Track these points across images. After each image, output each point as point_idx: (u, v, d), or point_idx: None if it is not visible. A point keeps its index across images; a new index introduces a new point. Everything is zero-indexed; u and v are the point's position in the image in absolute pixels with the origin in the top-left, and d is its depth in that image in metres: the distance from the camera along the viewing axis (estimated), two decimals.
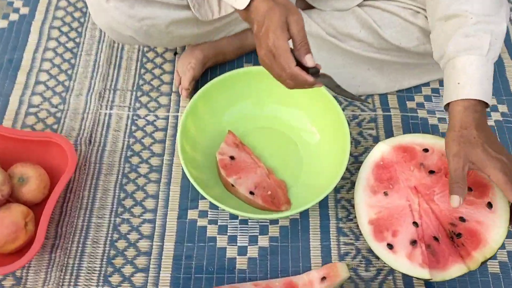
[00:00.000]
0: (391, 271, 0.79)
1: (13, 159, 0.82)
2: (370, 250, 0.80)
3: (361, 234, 0.82)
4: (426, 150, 0.76)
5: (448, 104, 0.69)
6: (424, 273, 0.68)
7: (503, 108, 0.95)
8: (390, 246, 0.71)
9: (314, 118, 0.88)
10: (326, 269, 0.76)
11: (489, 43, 0.67)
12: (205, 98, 0.86)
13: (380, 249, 0.71)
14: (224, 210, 0.81)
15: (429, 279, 0.68)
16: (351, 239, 0.81)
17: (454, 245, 0.71)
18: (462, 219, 0.71)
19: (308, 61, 0.63)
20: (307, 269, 0.79)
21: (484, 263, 0.68)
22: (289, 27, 0.63)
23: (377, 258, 0.80)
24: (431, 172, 0.74)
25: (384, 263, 0.79)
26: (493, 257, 0.75)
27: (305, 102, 0.87)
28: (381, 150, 0.78)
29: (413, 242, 0.71)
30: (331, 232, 0.82)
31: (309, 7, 0.92)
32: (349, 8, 0.90)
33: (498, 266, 0.79)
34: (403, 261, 0.70)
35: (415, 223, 0.72)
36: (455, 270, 0.69)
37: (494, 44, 0.68)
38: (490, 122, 0.93)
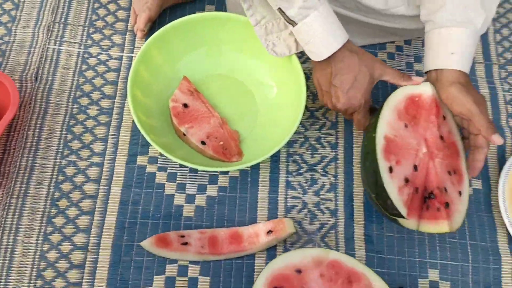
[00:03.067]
0: (334, 225, 0.81)
1: None
2: (316, 205, 0.82)
3: (309, 188, 0.83)
4: (444, 117, 0.75)
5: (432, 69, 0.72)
6: (403, 211, 0.70)
7: None
8: (390, 170, 0.72)
9: (272, 70, 0.86)
10: (273, 223, 0.77)
11: (483, 20, 0.69)
12: (160, 42, 0.82)
13: (383, 166, 0.70)
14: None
15: (403, 217, 0.70)
16: (299, 193, 0.83)
17: (423, 204, 0.73)
18: (445, 189, 0.72)
19: None
20: (253, 220, 0.80)
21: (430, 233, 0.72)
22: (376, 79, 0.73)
23: (322, 213, 0.81)
24: (441, 137, 0.75)
25: (328, 218, 0.81)
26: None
27: (264, 52, 0.84)
28: (424, 89, 0.75)
29: (407, 180, 0.72)
30: (280, 185, 0.83)
31: None
32: None
33: None
34: (394, 189, 0.70)
35: (415, 167, 0.73)
36: (410, 223, 0.72)
37: (486, 21, 0.70)
38: None
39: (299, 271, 0.69)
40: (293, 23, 0.69)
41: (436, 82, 0.73)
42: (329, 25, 0.69)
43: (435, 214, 0.72)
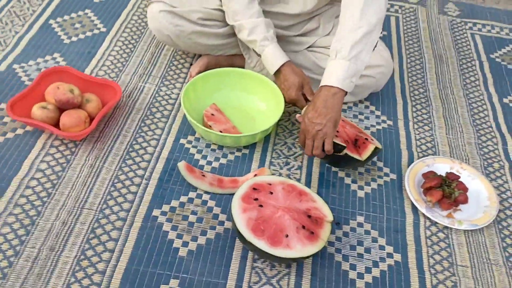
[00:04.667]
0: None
1: (85, 91, 1.37)
2: (287, 175, 1.29)
3: (284, 167, 1.31)
4: (343, 120, 1.33)
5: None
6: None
7: (389, 122, 1.49)
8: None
9: (263, 98, 1.43)
10: (258, 170, 1.25)
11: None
12: (203, 79, 1.42)
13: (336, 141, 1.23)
14: (203, 142, 1.34)
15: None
16: (277, 169, 1.31)
17: (356, 147, 1.25)
18: (359, 137, 1.28)
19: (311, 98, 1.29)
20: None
21: (367, 160, 1.24)
22: (303, 86, 1.30)
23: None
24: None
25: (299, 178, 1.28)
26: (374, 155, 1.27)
27: (260, 90, 1.43)
28: None
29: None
30: (265, 163, 1.32)
31: None
32: (300, 51, 1.50)
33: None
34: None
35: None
36: (354, 158, 1.22)
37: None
38: (379, 127, 1.47)
39: (270, 184, 1.15)
40: (259, 55, 1.32)
41: None
42: (274, 54, 1.32)
43: (364, 146, 1.25)
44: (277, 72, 1.33)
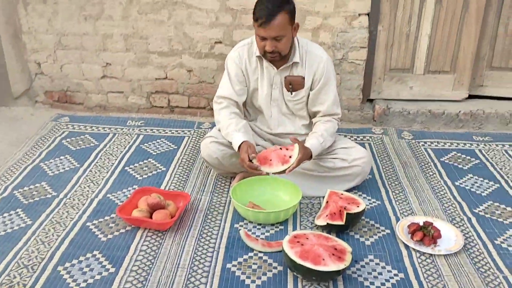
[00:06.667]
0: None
1: (167, 199, 1.95)
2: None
3: (311, 229, 1.85)
4: None
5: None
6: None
7: (378, 202, 2.08)
8: None
9: (287, 193, 2.04)
10: None
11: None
12: (241, 185, 2.04)
13: None
14: (250, 224, 1.90)
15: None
16: (305, 228, 1.84)
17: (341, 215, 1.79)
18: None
19: (255, 162, 1.92)
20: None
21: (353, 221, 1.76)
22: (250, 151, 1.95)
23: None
24: None
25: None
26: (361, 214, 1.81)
27: (282, 188, 2.04)
28: None
29: None
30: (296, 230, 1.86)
31: None
32: None
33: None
34: None
35: None
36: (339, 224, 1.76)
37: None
38: (372, 206, 2.05)
39: (304, 234, 1.68)
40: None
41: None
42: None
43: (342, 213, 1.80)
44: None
